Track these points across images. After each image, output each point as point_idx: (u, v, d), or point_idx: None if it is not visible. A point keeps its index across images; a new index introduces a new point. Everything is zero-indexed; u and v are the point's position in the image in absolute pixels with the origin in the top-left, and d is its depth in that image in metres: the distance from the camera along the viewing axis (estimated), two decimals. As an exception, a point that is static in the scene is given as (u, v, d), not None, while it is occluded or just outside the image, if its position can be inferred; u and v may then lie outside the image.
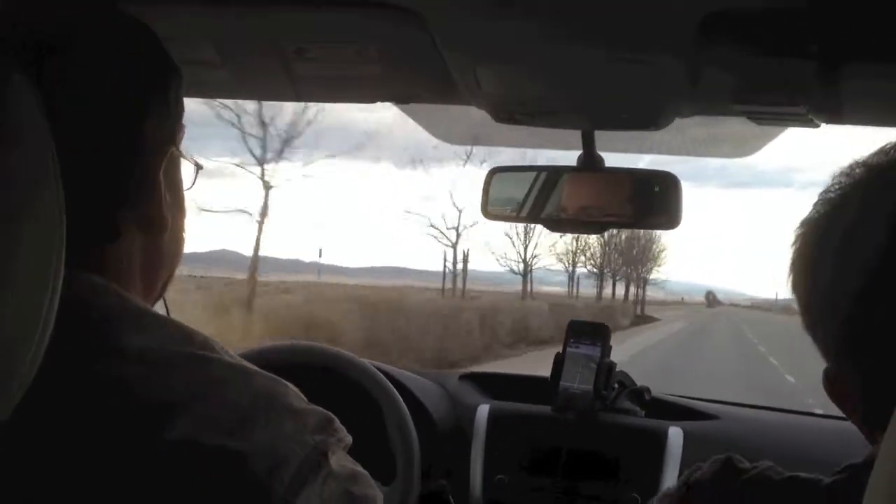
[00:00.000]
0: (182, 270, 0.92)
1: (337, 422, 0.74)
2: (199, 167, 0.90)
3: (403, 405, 1.77)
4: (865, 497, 0.48)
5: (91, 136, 0.73)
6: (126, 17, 0.80)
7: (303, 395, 0.75)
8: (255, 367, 0.74)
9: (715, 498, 0.82)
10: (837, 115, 1.29)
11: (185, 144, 0.86)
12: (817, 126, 1.30)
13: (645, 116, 1.40)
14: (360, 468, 0.76)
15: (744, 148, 1.77)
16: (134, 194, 0.78)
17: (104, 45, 0.75)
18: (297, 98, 1.48)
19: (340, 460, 0.72)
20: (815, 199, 0.80)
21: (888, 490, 0.46)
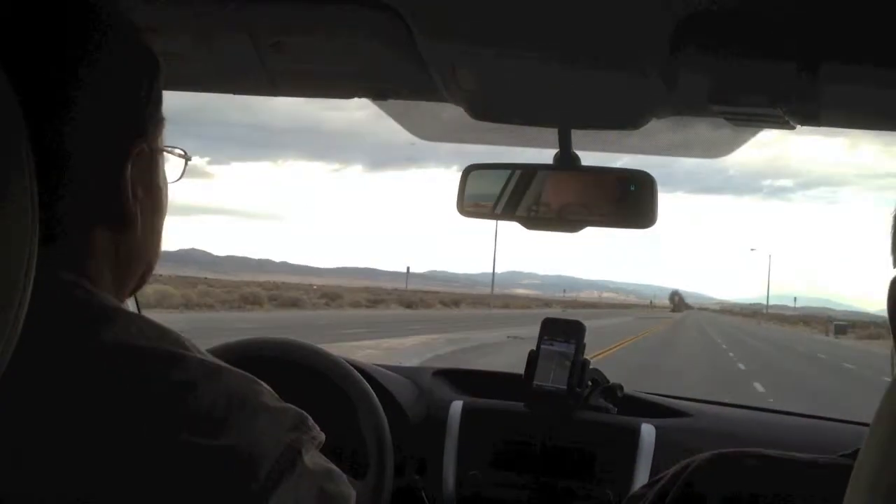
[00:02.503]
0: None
1: (310, 420, 0.74)
2: (187, 159, 0.89)
3: (377, 401, 1.76)
4: (850, 483, 0.49)
5: (48, 128, 0.71)
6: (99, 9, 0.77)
7: (276, 394, 0.74)
8: (228, 366, 0.74)
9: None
10: (813, 117, 1.30)
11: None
12: (793, 128, 1.31)
13: (622, 116, 1.40)
14: (333, 466, 0.75)
15: (717, 149, 1.78)
16: (96, 191, 0.76)
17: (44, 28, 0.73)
18: (274, 92, 1.47)
19: (314, 458, 0.72)
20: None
21: (871, 478, 0.46)
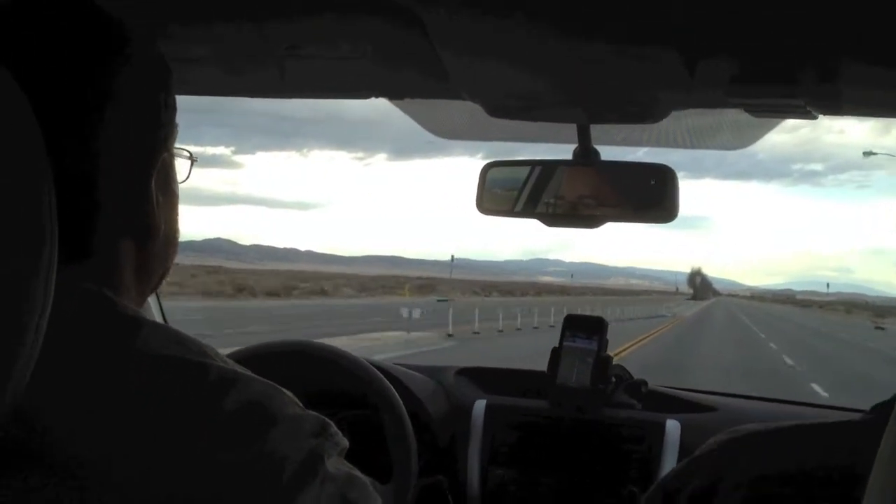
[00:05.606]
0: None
1: (333, 426, 0.74)
2: (193, 159, 0.89)
3: (400, 403, 1.75)
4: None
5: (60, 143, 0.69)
6: (107, 19, 0.77)
7: (298, 401, 0.74)
8: (250, 374, 0.73)
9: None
10: (835, 106, 1.28)
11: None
12: (815, 118, 1.29)
13: (641, 110, 1.39)
14: (357, 472, 0.75)
15: (738, 140, 1.76)
16: (126, 204, 0.77)
17: (68, 43, 0.72)
18: (289, 94, 1.46)
19: (336, 464, 0.72)
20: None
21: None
